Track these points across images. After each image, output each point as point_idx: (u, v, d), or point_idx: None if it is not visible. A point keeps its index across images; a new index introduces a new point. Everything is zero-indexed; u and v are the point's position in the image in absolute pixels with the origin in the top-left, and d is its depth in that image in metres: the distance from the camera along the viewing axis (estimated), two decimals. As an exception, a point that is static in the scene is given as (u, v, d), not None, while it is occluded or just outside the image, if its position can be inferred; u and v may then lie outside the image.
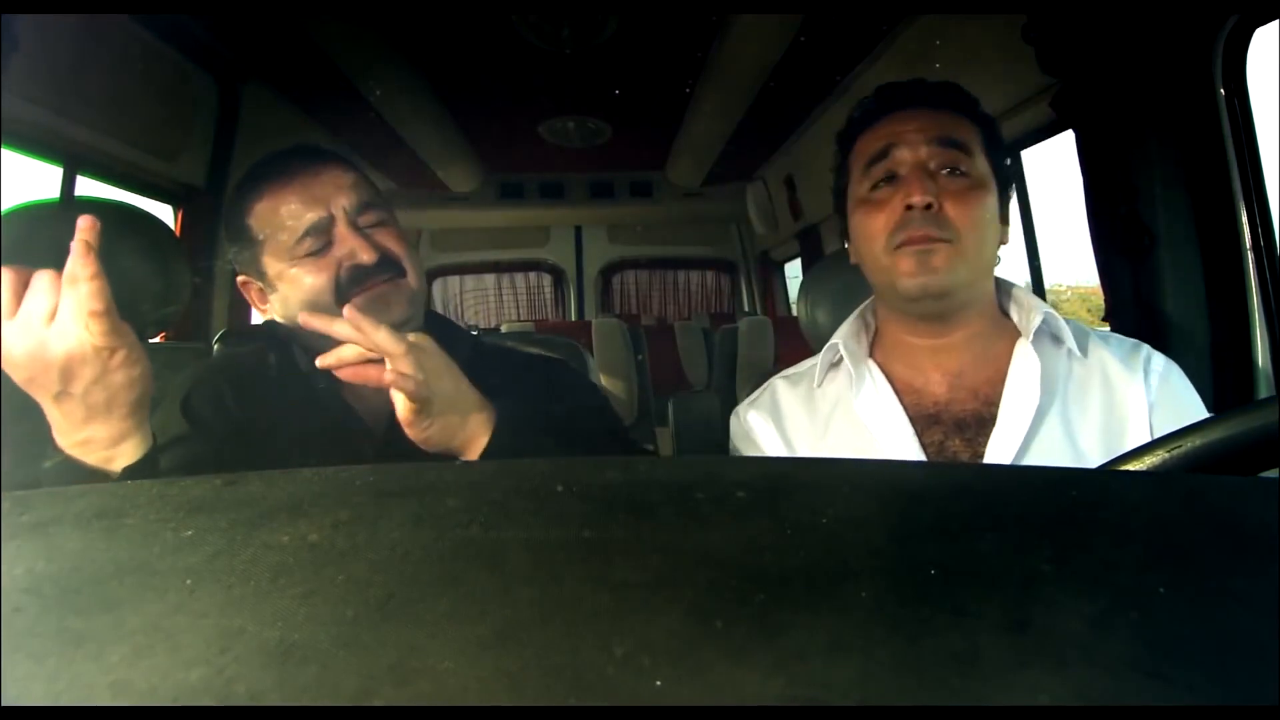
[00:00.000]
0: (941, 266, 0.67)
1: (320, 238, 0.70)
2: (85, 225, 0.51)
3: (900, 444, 0.69)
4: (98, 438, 0.54)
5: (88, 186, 1.63)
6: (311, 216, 0.70)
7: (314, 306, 0.68)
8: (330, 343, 0.62)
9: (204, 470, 0.63)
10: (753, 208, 3.49)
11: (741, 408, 0.81)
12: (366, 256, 0.69)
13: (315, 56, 1.88)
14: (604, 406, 0.85)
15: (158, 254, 0.94)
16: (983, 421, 0.69)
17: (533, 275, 4.40)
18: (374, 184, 0.76)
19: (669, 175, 3.34)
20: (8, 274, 0.52)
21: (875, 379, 0.73)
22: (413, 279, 0.73)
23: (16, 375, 0.52)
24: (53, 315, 0.51)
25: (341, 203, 0.71)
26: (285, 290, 0.71)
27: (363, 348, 0.58)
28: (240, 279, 0.76)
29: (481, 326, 4.17)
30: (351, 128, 2.40)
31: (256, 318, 2.20)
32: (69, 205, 1.28)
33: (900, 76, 0.76)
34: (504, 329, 3.45)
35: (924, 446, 0.69)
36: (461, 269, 4.27)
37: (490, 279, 4.38)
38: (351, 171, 0.74)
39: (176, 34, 1.66)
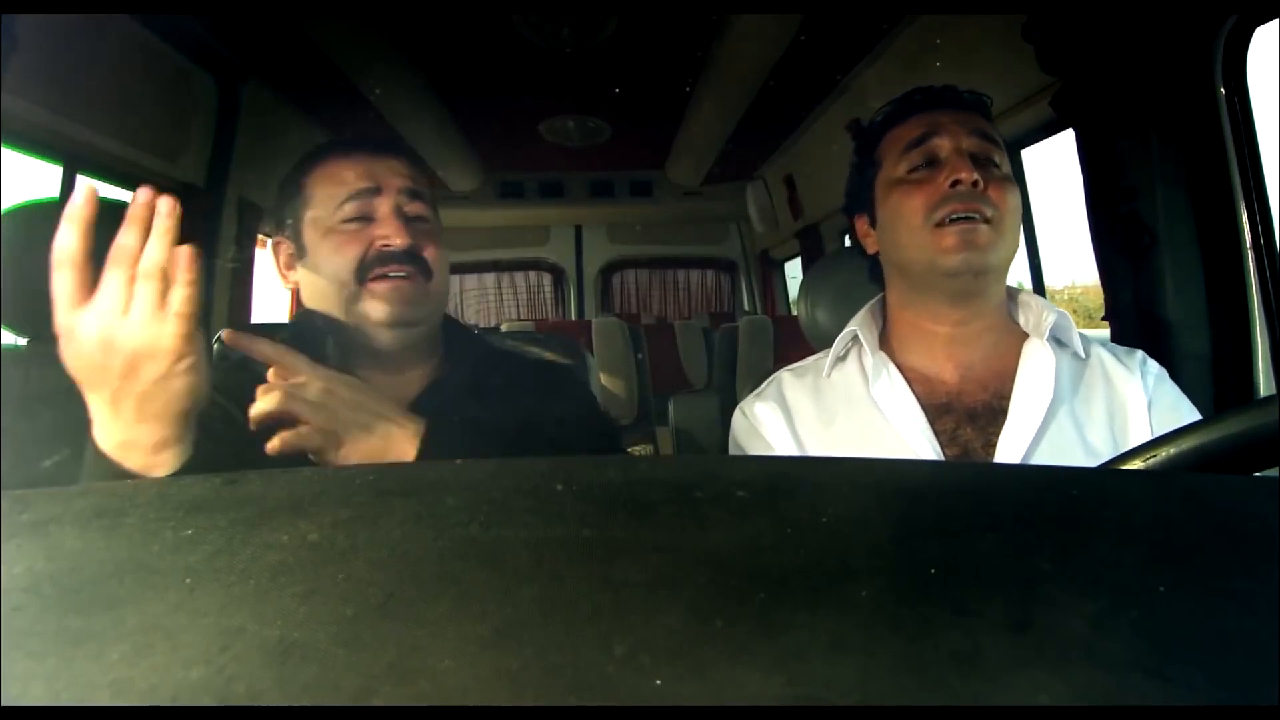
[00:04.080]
0: (984, 244, 0.69)
1: (363, 206, 0.71)
2: (167, 208, 0.49)
3: (914, 431, 0.70)
4: (143, 442, 0.52)
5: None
6: (361, 184, 0.71)
7: (339, 278, 0.70)
8: (359, 337, 0.68)
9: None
10: (753, 207, 3.48)
11: (746, 402, 0.81)
12: (399, 242, 0.70)
13: (315, 56, 1.87)
14: (597, 414, 0.85)
15: None
16: (994, 413, 0.70)
17: (533, 274, 4.39)
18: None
19: (669, 174, 3.34)
20: (78, 263, 0.49)
21: (889, 368, 0.74)
22: (437, 284, 0.74)
23: (78, 363, 0.50)
24: (129, 307, 0.49)
25: (394, 184, 0.73)
26: (315, 258, 0.72)
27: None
28: (274, 240, 0.77)
29: (482, 325, 4.17)
30: (351, 127, 2.39)
31: (258, 316, 2.21)
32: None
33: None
34: (504, 328, 3.46)
35: (937, 434, 0.70)
36: (461, 268, 4.26)
37: (490, 278, 4.38)
38: (415, 168, 0.76)
39: (176, 34, 1.66)
